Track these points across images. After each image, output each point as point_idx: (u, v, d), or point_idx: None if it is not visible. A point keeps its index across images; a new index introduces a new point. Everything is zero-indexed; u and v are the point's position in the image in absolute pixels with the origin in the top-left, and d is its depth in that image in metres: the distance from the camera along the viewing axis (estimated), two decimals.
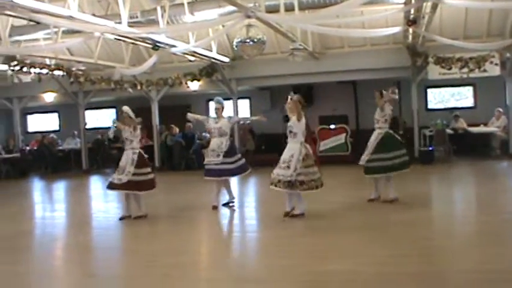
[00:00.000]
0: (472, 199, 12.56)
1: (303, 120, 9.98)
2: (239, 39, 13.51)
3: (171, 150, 21.04)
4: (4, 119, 25.59)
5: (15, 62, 16.26)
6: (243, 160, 11.77)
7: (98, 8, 15.74)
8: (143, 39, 13.97)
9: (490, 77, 17.70)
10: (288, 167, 9.71)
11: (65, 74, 18.48)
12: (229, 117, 11.91)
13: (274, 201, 10.16)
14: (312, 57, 17.92)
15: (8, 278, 7.30)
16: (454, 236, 8.62)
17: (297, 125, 9.90)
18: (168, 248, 8.67)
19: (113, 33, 12.90)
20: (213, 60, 18.33)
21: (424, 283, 6.20)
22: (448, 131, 19.05)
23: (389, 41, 18.20)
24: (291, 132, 9.97)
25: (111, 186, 10.88)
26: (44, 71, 17.42)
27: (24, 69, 16.64)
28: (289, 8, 13.45)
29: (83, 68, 18.92)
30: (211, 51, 16.99)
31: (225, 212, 11.41)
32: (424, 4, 11.71)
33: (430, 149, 18.66)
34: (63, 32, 14.39)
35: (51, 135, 23.58)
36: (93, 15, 12.75)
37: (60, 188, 19.08)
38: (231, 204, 11.72)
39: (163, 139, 21.28)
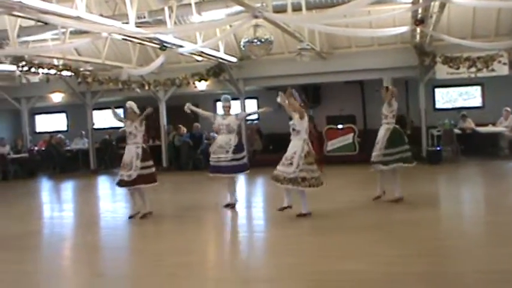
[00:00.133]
0: (480, 199, 12.52)
1: (306, 118, 10.00)
2: (246, 39, 13.53)
3: (179, 150, 21.04)
4: (12, 119, 25.70)
5: (24, 63, 16.31)
6: (246, 158, 11.78)
7: (105, 8, 15.76)
8: (151, 40, 13.99)
9: (498, 77, 17.60)
10: (291, 163, 9.77)
11: (72, 74, 18.52)
12: (237, 114, 11.90)
13: (282, 201, 10.14)
14: (319, 57, 17.90)
15: (16, 277, 7.34)
16: (462, 236, 8.59)
17: (300, 123, 9.94)
18: (175, 248, 8.69)
19: (120, 34, 12.91)
20: (221, 60, 18.32)
21: (431, 283, 6.19)
22: (456, 130, 18.99)
23: (396, 40, 18.15)
24: (294, 130, 10.00)
25: (121, 183, 10.90)
26: (52, 71, 17.47)
27: (32, 69, 16.68)
28: (297, 8, 13.42)
29: (90, 68, 18.95)
30: (218, 51, 16.98)
31: (232, 211, 11.42)
32: (432, 3, 11.66)
33: (438, 148, 18.60)
34: (71, 32, 14.41)
35: (59, 135, 23.65)
36: (101, 15, 12.76)
37: (68, 188, 19.14)
38: (232, 206, 11.73)
39: (170, 139, 21.29)
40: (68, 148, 23.37)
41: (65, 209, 14.44)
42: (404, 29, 13.75)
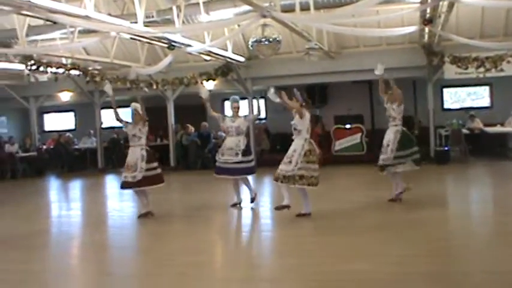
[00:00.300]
0: (488, 199, 12.47)
1: (307, 116, 9.99)
2: (254, 39, 13.53)
3: (187, 149, 21.07)
4: (21, 118, 25.80)
5: (32, 62, 16.38)
6: (255, 162, 11.76)
7: (113, 7, 15.80)
8: (159, 39, 14.01)
9: (507, 77, 17.54)
10: (290, 162, 9.77)
11: (81, 73, 18.59)
12: (245, 115, 11.87)
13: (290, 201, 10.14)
14: (327, 56, 17.88)
15: (24, 276, 7.35)
16: (470, 236, 8.56)
17: (300, 122, 9.94)
18: (183, 247, 8.69)
19: (128, 33, 12.95)
20: (229, 60, 18.33)
21: (440, 283, 6.17)
22: (464, 131, 18.95)
23: (405, 40, 18.12)
24: (295, 129, 10.01)
25: (125, 185, 10.90)
26: (61, 70, 17.54)
27: (41, 68, 16.76)
28: (305, 8, 13.41)
29: (99, 67, 19.02)
30: (226, 50, 17.00)
31: (240, 211, 11.42)
32: (440, 3, 11.64)
33: (446, 149, 18.58)
34: (80, 31, 14.46)
35: (68, 134, 23.74)
36: (109, 15, 12.80)
37: (76, 186, 19.21)
38: (250, 201, 11.74)
39: (178, 138, 21.32)
40: (76, 147, 23.46)
41: (73, 208, 14.47)
42: (412, 28, 13.73)
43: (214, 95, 22.48)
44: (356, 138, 19.88)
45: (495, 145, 19.20)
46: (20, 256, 8.52)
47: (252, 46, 13.83)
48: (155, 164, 10.99)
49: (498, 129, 19.05)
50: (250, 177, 11.89)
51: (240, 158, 11.22)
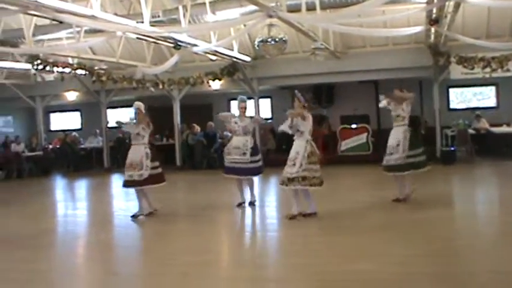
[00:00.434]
0: (494, 199, 12.45)
1: (309, 118, 9.99)
2: (261, 39, 13.54)
3: (193, 149, 21.08)
4: (27, 117, 25.87)
5: (39, 61, 16.43)
6: (262, 161, 11.76)
7: (120, 7, 15.84)
8: (165, 39, 14.03)
9: None
10: (294, 164, 9.78)
11: (87, 73, 18.63)
12: (252, 117, 11.86)
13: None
14: (333, 56, 17.87)
15: (31, 276, 7.37)
16: (476, 236, 8.54)
17: (303, 124, 9.94)
18: (188, 247, 8.70)
19: (134, 33, 12.98)
20: (235, 60, 18.34)
21: (445, 284, 6.16)
22: (470, 131, 18.91)
23: (411, 40, 18.10)
24: (298, 130, 10.00)
25: (130, 183, 10.90)
26: (67, 70, 17.58)
27: (47, 68, 16.81)
28: (311, 8, 13.41)
29: (105, 67, 19.04)
30: (232, 50, 17.00)
31: (245, 211, 11.42)
32: (447, 3, 11.62)
33: (452, 149, 18.55)
34: (86, 31, 14.50)
35: (74, 133, 23.78)
36: (116, 14, 12.82)
37: (82, 186, 19.25)
38: (249, 204, 11.73)
39: (184, 138, 21.33)
40: (82, 146, 23.52)
41: (79, 208, 14.51)
42: (418, 28, 13.71)
43: (220, 94, 22.64)
44: (362, 138, 19.87)
45: (501, 145, 19.13)
46: (27, 255, 8.53)
47: (258, 46, 13.84)
48: (157, 163, 11.02)
49: (504, 129, 19.02)
50: (256, 178, 11.90)
51: (248, 157, 11.22)
